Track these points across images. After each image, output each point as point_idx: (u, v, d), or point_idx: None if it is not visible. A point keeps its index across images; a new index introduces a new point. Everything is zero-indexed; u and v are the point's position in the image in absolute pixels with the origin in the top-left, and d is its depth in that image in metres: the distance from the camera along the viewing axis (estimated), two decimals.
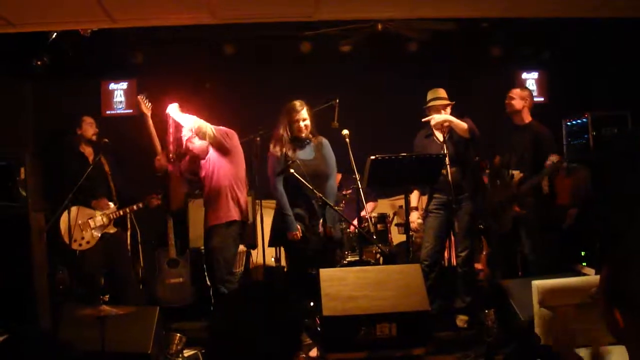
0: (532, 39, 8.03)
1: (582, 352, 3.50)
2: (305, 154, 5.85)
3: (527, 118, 6.39)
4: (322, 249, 5.88)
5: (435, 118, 6.06)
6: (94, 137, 6.45)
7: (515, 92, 6.44)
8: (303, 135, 5.82)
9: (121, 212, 6.36)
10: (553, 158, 6.01)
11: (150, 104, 6.18)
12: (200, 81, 7.54)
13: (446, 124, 6.02)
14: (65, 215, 6.04)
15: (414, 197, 6.51)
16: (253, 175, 6.30)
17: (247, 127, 6.78)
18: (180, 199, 7.22)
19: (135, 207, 6.36)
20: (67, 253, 6.15)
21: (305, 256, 5.86)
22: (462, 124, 6.04)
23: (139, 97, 6.27)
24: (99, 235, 6.23)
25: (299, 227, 5.73)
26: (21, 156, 5.87)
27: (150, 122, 6.18)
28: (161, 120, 5.99)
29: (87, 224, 6.20)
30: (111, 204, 6.34)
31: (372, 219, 6.78)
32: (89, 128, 6.47)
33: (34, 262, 5.76)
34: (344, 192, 7.13)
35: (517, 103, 6.35)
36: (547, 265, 6.07)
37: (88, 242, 6.21)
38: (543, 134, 6.30)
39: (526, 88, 6.95)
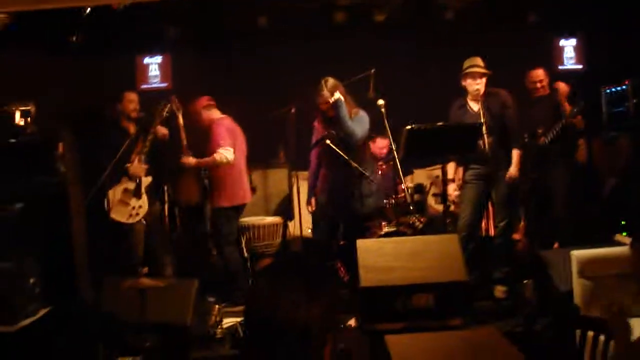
0: (569, 5, 7.85)
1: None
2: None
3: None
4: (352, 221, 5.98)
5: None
6: (134, 114, 6.47)
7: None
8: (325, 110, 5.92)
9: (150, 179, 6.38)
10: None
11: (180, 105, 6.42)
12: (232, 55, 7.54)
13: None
14: (108, 195, 6.18)
15: (450, 168, 6.46)
16: (289, 147, 6.30)
17: (281, 99, 6.77)
18: (191, 192, 7.27)
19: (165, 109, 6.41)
20: (108, 226, 6.21)
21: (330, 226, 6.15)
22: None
23: (172, 97, 6.46)
24: (142, 195, 6.26)
25: (312, 201, 6.22)
26: (59, 131, 5.93)
27: (181, 120, 6.38)
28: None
29: (126, 195, 6.24)
30: (144, 165, 6.32)
31: (409, 190, 6.74)
32: (129, 104, 6.48)
33: (73, 236, 5.84)
34: (380, 163, 7.09)
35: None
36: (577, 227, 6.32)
37: (141, 207, 6.26)
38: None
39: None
